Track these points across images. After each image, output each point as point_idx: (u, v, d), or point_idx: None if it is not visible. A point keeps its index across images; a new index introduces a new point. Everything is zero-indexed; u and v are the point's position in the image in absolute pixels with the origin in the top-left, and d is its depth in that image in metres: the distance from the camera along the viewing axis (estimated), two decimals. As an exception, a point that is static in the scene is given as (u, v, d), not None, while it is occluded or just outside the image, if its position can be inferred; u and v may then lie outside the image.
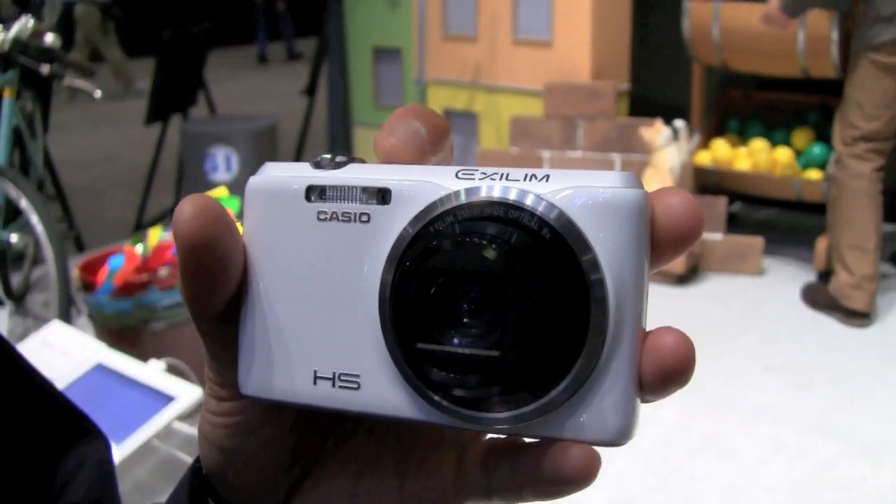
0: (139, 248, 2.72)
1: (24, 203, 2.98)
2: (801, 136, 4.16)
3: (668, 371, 0.34)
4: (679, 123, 3.97)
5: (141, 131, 5.52)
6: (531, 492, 0.36)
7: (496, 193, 0.34)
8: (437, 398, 0.35)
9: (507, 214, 0.34)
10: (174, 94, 5.16)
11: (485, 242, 0.33)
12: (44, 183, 3.96)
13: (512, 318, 0.33)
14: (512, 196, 0.34)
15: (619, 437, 0.34)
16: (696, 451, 2.62)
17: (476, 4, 4.73)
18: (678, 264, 3.76)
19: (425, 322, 0.34)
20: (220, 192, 2.93)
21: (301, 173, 0.39)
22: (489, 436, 0.41)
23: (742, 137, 4.32)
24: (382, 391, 0.37)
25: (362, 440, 0.44)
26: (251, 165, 4.64)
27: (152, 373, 1.52)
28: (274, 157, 4.87)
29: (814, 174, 3.95)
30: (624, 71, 4.58)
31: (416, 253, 0.35)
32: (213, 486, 0.44)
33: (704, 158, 4.21)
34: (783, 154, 4.06)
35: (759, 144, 4.15)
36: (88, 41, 10.01)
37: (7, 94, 3.41)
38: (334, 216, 0.37)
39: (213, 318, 0.39)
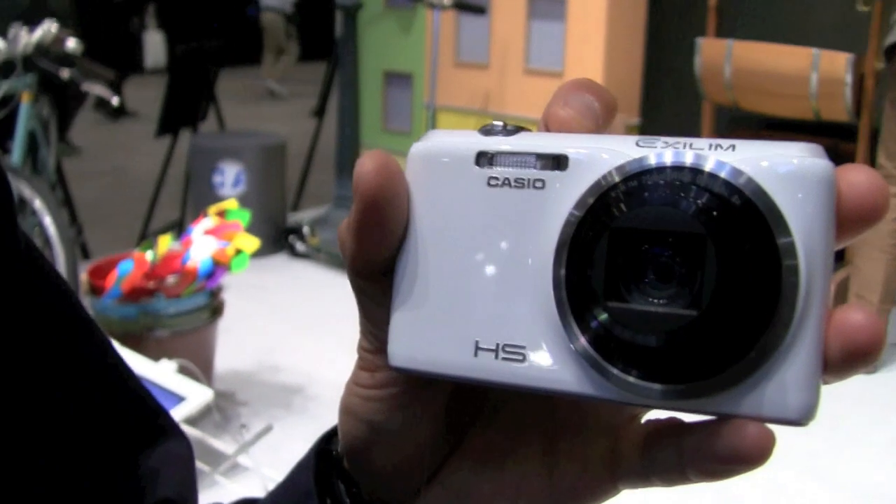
0: (149, 255, 2.72)
1: (37, 204, 2.99)
2: (809, 179, 4.16)
3: (857, 348, 0.32)
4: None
5: (151, 144, 5.53)
6: (697, 472, 0.35)
7: (679, 159, 0.34)
8: (614, 371, 0.34)
9: (696, 180, 0.33)
10: (185, 109, 5.19)
11: (680, 204, 0.32)
12: (55, 188, 3.96)
13: (710, 280, 0.32)
14: (699, 162, 0.33)
15: (801, 416, 0.33)
16: (696, 496, 2.60)
17: (489, 32, 4.76)
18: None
19: (613, 281, 0.33)
20: (231, 205, 2.94)
21: (470, 140, 0.38)
22: (645, 419, 0.40)
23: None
24: (550, 363, 0.35)
25: (508, 424, 0.43)
26: (259, 182, 4.66)
27: (164, 372, 1.52)
28: (282, 175, 4.89)
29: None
30: (635, 105, 4.60)
31: (600, 214, 0.34)
32: (342, 465, 0.44)
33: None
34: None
35: (767, 185, 4.15)
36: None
37: (25, 99, 3.43)
38: (506, 182, 0.36)
39: (375, 275, 0.38)
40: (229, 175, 4.61)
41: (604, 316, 0.33)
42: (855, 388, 3.19)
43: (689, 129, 4.49)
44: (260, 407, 2.97)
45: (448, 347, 0.37)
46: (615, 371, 0.34)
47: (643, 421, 0.40)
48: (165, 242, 2.79)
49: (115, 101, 3.43)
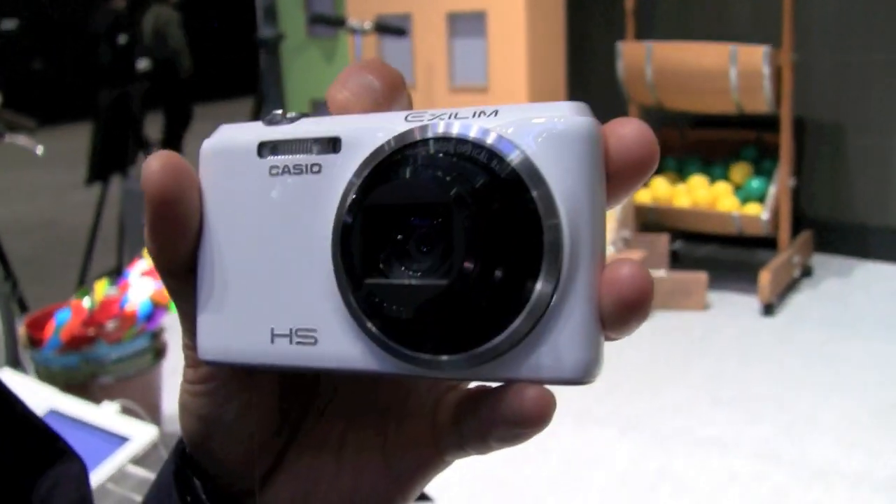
0: (86, 302, 2.69)
1: (-34, 260, 2.94)
2: (739, 171, 4.23)
3: (626, 302, 0.33)
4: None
5: (80, 195, 5.46)
6: (495, 438, 0.36)
7: (442, 130, 0.34)
8: (390, 343, 0.35)
9: (457, 149, 0.34)
10: (113, 154, 5.13)
11: (431, 175, 0.33)
12: (-16, 244, 3.90)
13: (459, 248, 0.32)
14: (458, 130, 0.34)
15: (579, 374, 0.33)
16: (651, 487, 2.62)
17: (412, 53, 4.78)
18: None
19: (373, 257, 0.34)
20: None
21: (253, 131, 0.39)
22: (461, 388, 0.41)
23: (681, 174, 4.39)
24: (339, 344, 0.36)
25: (339, 412, 0.44)
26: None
27: (106, 415, 1.50)
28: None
29: (754, 208, 4.02)
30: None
31: (364, 191, 0.35)
32: (197, 463, 0.44)
33: (644, 196, 4.27)
34: (722, 189, 4.13)
35: (697, 180, 4.22)
36: None
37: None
38: (286, 170, 0.37)
39: (178, 273, 0.39)
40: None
41: (367, 295, 0.34)
42: (801, 373, 3.25)
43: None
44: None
45: (248, 337, 0.38)
46: (394, 345, 0.35)
47: (457, 391, 0.41)
48: (102, 288, 2.75)
49: (38, 150, 3.39)
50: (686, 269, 4.19)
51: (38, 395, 1.60)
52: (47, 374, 2.61)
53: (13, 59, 12.82)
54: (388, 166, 0.35)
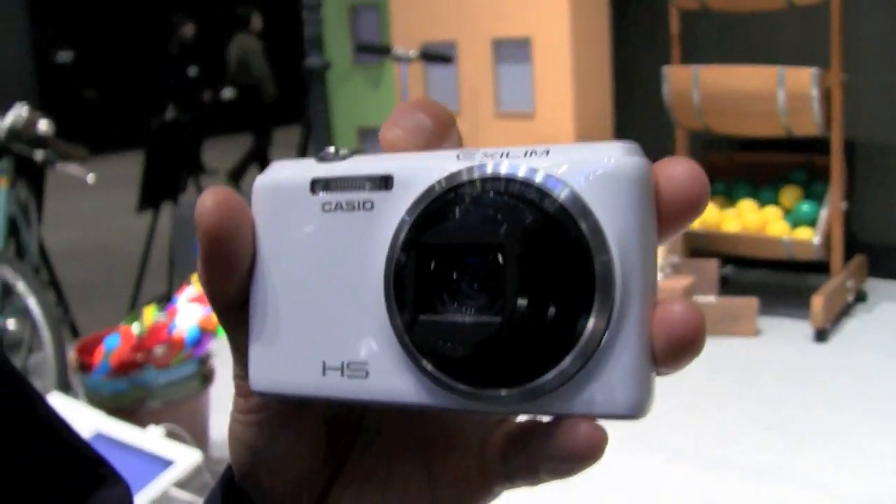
0: (135, 328, 2.72)
1: (20, 286, 2.99)
2: (788, 195, 4.19)
3: (679, 340, 0.33)
4: (666, 187, 3.99)
5: (132, 221, 5.54)
6: (546, 471, 0.36)
7: (490, 170, 0.35)
8: (443, 378, 0.35)
9: (508, 188, 0.34)
10: (164, 182, 5.20)
11: (482, 214, 0.33)
12: (39, 271, 3.96)
13: (512, 285, 0.33)
14: (507, 170, 0.34)
15: (632, 409, 0.33)
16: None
17: (457, 80, 4.80)
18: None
19: (426, 295, 0.35)
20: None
21: (306, 168, 0.39)
22: (510, 422, 0.41)
23: (730, 199, 4.35)
24: (390, 377, 0.37)
25: (386, 447, 0.44)
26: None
27: (151, 439, 1.51)
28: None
29: (804, 232, 3.97)
30: (607, 139, 4.61)
31: (417, 230, 0.35)
32: (244, 493, 0.44)
33: (693, 222, 4.22)
34: (772, 213, 4.09)
35: (746, 205, 4.18)
36: None
37: (2, 185, 3.44)
38: (339, 206, 0.38)
39: (231, 306, 0.40)
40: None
41: (421, 331, 0.35)
42: (854, 402, 3.20)
43: (663, 157, 4.48)
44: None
45: (299, 369, 0.39)
46: (446, 380, 0.35)
47: (506, 426, 0.41)
48: (151, 314, 2.78)
49: (89, 179, 3.44)
50: (736, 294, 4.14)
51: (85, 419, 1.62)
52: (97, 399, 2.64)
53: (68, 90, 13.08)
54: (440, 206, 0.35)
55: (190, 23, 8.72)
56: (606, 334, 0.33)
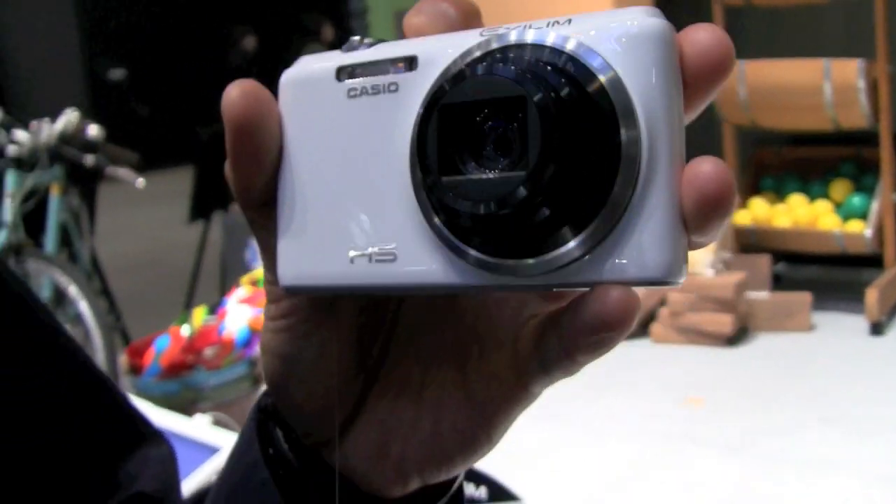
0: (185, 329, 2.75)
1: (72, 290, 3.02)
2: (838, 188, 4.14)
3: (707, 196, 0.32)
4: (715, 184, 3.95)
5: (184, 234, 5.60)
6: (578, 350, 0.35)
7: (516, 38, 0.34)
8: (472, 252, 0.34)
9: (533, 53, 0.34)
10: (214, 192, 5.25)
11: (508, 71, 0.33)
12: (90, 278, 4.01)
13: (535, 143, 0.32)
14: (538, 38, 0.34)
15: (664, 273, 0.32)
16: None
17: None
18: (726, 325, 3.72)
19: (450, 157, 0.34)
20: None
21: (332, 58, 0.39)
22: (542, 315, 0.40)
23: (779, 194, 4.31)
24: (418, 259, 0.36)
25: (419, 351, 0.44)
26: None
27: (198, 426, 1.53)
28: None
29: (856, 226, 3.92)
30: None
31: (439, 93, 0.34)
32: (279, 415, 0.44)
33: (744, 218, 4.20)
34: (822, 207, 4.04)
35: (797, 199, 4.14)
36: None
37: (55, 191, 3.48)
38: (364, 91, 0.37)
39: (258, 203, 0.40)
40: (261, 248, 4.64)
41: (444, 193, 0.34)
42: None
43: (712, 154, 4.41)
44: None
45: (328, 260, 0.38)
46: (473, 252, 0.34)
47: (539, 316, 0.40)
48: (200, 315, 2.81)
49: (139, 183, 3.48)
50: (789, 290, 4.09)
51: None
52: (148, 400, 2.67)
53: (120, 107, 13.25)
54: (463, 71, 0.35)
55: (251, 35, 8.78)
56: (634, 198, 0.32)
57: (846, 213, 4.02)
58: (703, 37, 0.33)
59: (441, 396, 0.42)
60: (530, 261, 0.33)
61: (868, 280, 3.88)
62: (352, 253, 0.38)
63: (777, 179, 4.38)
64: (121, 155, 3.60)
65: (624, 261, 0.32)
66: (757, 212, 4.18)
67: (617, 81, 0.32)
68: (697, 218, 0.32)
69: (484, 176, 0.33)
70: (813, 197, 4.16)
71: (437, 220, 0.35)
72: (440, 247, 0.35)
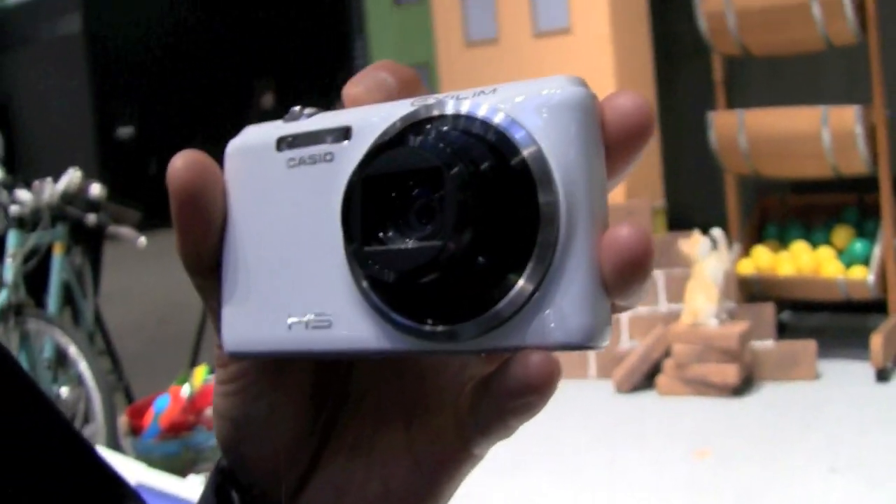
0: (185, 389, 2.74)
1: (72, 351, 3.02)
2: (840, 234, 4.13)
3: (626, 260, 0.32)
4: (716, 232, 3.95)
5: (191, 295, 5.60)
6: (507, 413, 0.36)
7: (440, 108, 0.35)
8: (400, 319, 0.35)
9: (454, 123, 0.34)
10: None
11: (427, 142, 0.33)
12: (93, 338, 4.00)
13: (451, 212, 0.32)
14: (456, 108, 0.35)
15: (585, 338, 0.33)
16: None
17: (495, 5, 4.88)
18: (731, 376, 3.70)
19: (374, 225, 0.34)
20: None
21: (273, 128, 0.40)
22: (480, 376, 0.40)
23: (782, 242, 4.30)
24: (352, 326, 0.37)
25: (370, 410, 0.44)
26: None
27: (192, 487, 1.52)
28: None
29: (859, 272, 3.91)
30: (657, 188, 4.61)
31: (364, 165, 0.35)
32: (234, 474, 0.44)
33: (747, 267, 4.19)
34: (825, 254, 4.03)
35: (799, 246, 4.13)
36: None
37: (57, 250, 3.49)
38: (302, 161, 0.38)
39: (205, 270, 0.40)
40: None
41: (365, 261, 0.34)
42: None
43: (714, 204, 4.47)
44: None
45: (268, 326, 0.39)
46: (399, 318, 0.35)
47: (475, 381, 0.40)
48: (201, 374, 2.81)
49: (140, 242, 3.48)
50: (794, 338, 4.07)
51: (128, 469, 1.63)
52: (148, 462, 2.65)
53: (128, 165, 13.34)
54: (388, 142, 0.35)
55: (270, 92, 8.77)
56: (554, 263, 0.33)
57: (849, 260, 4.01)
58: (624, 102, 0.34)
59: (389, 457, 0.42)
60: (456, 326, 0.34)
61: (872, 326, 3.86)
62: (290, 319, 0.38)
63: (780, 227, 4.38)
64: (123, 214, 3.61)
65: (546, 326, 0.33)
66: (760, 260, 4.18)
67: (538, 153, 0.33)
68: (617, 282, 0.33)
69: (402, 246, 0.34)
70: (815, 244, 4.15)
71: (365, 286, 0.36)
72: (371, 313, 0.36)
